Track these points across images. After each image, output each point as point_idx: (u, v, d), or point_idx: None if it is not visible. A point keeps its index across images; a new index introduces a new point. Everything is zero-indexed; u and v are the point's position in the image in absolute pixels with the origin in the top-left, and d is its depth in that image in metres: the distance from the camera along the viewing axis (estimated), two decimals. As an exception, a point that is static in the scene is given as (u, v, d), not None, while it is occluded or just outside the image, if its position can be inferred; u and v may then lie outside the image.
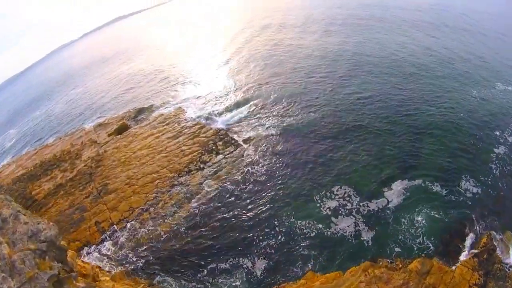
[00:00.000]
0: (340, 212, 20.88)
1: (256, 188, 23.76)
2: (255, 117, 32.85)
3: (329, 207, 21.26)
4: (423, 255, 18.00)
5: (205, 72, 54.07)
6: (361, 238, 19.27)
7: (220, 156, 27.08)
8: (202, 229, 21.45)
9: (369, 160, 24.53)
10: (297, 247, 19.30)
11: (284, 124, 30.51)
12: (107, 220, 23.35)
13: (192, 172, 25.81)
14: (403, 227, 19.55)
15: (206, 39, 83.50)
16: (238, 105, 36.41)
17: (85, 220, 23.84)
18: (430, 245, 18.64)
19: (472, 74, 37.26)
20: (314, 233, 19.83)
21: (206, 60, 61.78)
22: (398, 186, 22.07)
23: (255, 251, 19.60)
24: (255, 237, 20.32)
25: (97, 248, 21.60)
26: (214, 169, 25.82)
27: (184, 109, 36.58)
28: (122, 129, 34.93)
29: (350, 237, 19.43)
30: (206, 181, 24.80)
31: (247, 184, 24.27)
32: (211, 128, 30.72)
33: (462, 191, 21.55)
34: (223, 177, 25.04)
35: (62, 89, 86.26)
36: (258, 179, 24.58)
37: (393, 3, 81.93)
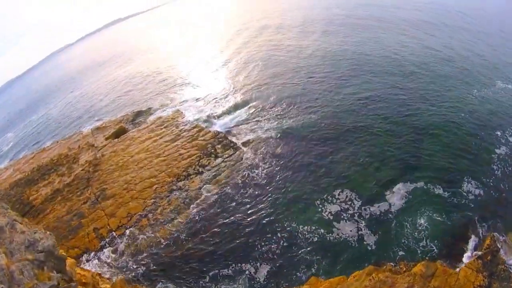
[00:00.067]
0: (342, 216, 20.57)
1: (256, 192, 23.43)
2: (254, 119, 32.52)
3: (330, 211, 20.94)
4: (427, 258, 17.77)
5: (203, 73, 53.79)
6: (364, 242, 18.98)
7: (219, 160, 26.74)
8: (203, 235, 21.12)
9: (370, 162, 24.24)
10: (300, 252, 19.01)
11: (284, 126, 30.17)
12: (106, 226, 23.02)
13: (191, 176, 25.46)
14: (406, 230, 19.28)
15: (205, 40, 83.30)
16: (236, 107, 36.11)
17: (83, 227, 23.52)
18: (434, 247, 18.40)
19: (472, 72, 37.06)
20: (316, 238, 19.52)
21: (204, 62, 61.51)
22: (400, 188, 21.77)
23: (257, 256, 19.29)
24: (256, 243, 20.01)
25: (97, 255, 21.27)
26: (213, 173, 25.47)
27: (182, 112, 36.25)
28: (119, 133, 34.60)
29: (353, 241, 19.13)
30: (205, 185, 24.46)
31: (247, 188, 23.94)
32: (209, 131, 30.36)
33: (464, 193, 21.27)
34: (223, 181, 24.70)
35: (60, 92, 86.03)
36: (258, 183, 24.25)
37: (391, 3, 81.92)
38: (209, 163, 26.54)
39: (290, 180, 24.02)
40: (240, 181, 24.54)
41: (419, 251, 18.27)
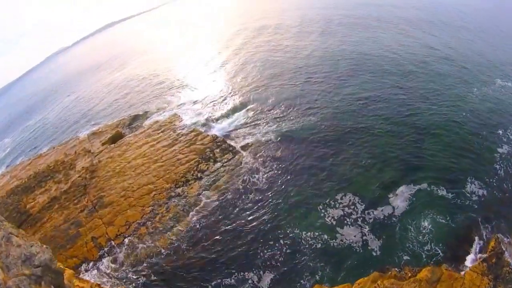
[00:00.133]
0: (345, 221, 20.20)
1: (257, 198, 23.01)
2: (252, 122, 32.06)
3: (333, 216, 20.57)
4: (431, 262, 17.56)
5: (201, 75, 53.31)
6: (368, 248, 18.65)
7: (218, 164, 26.27)
8: (204, 243, 20.69)
9: (372, 164, 23.88)
10: (303, 259, 18.66)
11: (283, 128, 29.74)
12: (104, 235, 22.58)
13: (190, 182, 25.00)
14: (410, 234, 18.98)
15: (203, 41, 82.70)
16: (235, 109, 35.63)
17: (81, 236, 23.10)
18: (439, 251, 18.13)
19: (471, 70, 36.72)
20: (319, 244, 19.16)
21: (202, 63, 61.00)
22: (403, 190, 21.44)
23: (260, 264, 18.92)
24: (259, 250, 19.62)
25: (96, 265, 20.83)
26: (212, 178, 25.01)
27: (179, 116, 35.70)
28: (116, 138, 34.13)
29: (357, 246, 18.79)
30: (205, 191, 23.99)
31: (248, 193, 23.51)
32: (207, 135, 29.82)
33: (467, 194, 20.98)
34: (222, 186, 24.26)
35: (58, 96, 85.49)
36: (258, 188, 23.83)
37: (389, 2, 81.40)
38: (208, 168, 26.09)
39: (291, 185, 23.61)
40: (240, 186, 24.11)
41: (424, 255, 17.99)
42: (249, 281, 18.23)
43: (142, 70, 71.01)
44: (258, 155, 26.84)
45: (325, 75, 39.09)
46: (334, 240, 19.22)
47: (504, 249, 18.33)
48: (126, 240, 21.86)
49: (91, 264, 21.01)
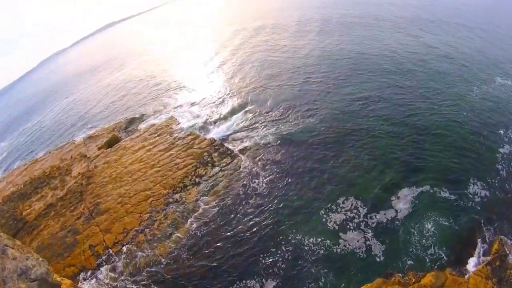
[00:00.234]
0: (348, 226, 19.86)
1: (256, 203, 22.59)
2: (251, 125, 31.59)
3: (336, 221, 20.22)
4: (435, 267, 17.30)
5: (198, 76, 52.78)
6: (372, 253, 18.34)
7: (216, 169, 25.83)
8: (204, 250, 20.31)
9: (373, 166, 23.56)
10: (306, 265, 18.34)
11: (282, 131, 29.29)
12: (101, 243, 22.19)
13: (188, 188, 24.58)
14: (413, 237, 18.70)
15: (200, 41, 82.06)
16: (232, 112, 35.14)
17: (79, 244, 22.71)
18: (442, 254, 17.89)
19: (471, 69, 36.38)
20: (322, 250, 18.83)
21: (199, 64, 60.45)
22: (405, 193, 21.16)
23: (261, 271, 18.58)
24: (260, 257, 19.25)
25: (94, 274, 20.47)
26: (211, 183, 24.59)
27: (176, 119, 35.21)
28: (112, 142, 33.66)
29: (361, 252, 18.47)
30: (203, 197, 23.57)
31: (247, 198, 23.10)
32: (205, 139, 29.38)
33: (470, 195, 20.71)
34: (221, 192, 23.84)
35: (55, 98, 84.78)
36: (258, 192, 23.41)
37: (387, 0, 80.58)
38: (206, 172, 25.67)
39: (292, 189, 23.22)
40: (239, 191, 23.69)
41: (427, 260, 17.72)
42: (252, 290, 17.88)
43: (140, 71, 70.45)
44: (257, 158, 26.43)
45: (323, 75, 38.68)
46: (337, 246, 18.89)
47: (507, 251, 18.08)
48: (124, 248, 21.48)
49: (89, 273, 20.64)
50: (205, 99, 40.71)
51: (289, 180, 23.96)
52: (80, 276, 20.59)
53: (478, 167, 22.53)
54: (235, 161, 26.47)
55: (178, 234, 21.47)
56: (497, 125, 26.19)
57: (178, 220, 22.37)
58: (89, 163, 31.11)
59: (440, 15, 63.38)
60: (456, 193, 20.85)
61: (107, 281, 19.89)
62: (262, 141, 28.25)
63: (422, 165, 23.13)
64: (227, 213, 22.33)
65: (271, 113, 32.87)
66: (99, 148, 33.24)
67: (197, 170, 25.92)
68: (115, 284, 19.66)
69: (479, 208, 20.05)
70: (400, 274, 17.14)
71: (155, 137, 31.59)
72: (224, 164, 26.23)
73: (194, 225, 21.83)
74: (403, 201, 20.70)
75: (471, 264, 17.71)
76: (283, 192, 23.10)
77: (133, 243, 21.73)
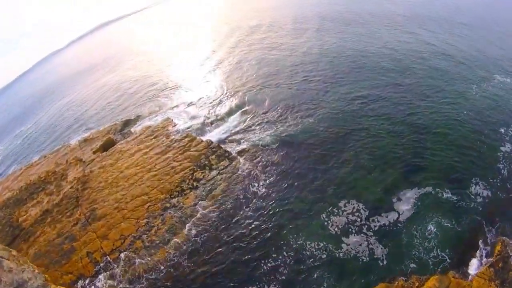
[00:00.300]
0: (350, 229, 19.58)
1: (256, 207, 22.22)
2: (249, 126, 31.10)
3: (337, 225, 19.93)
4: (438, 270, 17.15)
5: (194, 76, 52.05)
6: (375, 257, 18.10)
7: (214, 172, 25.39)
8: (203, 256, 19.97)
9: (374, 166, 23.26)
10: (308, 270, 18.08)
11: (280, 131, 28.83)
12: (99, 250, 21.80)
13: (185, 192, 24.12)
14: (416, 240, 18.51)
15: (197, 40, 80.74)
16: (230, 112, 34.60)
17: (76, 251, 22.31)
18: (445, 257, 17.73)
19: (470, 66, 36.05)
20: (324, 255, 18.57)
21: (196, 63, 59.62)
22: (407, 194, 20.90)
23: (262, 277, 18.31)
24: (261, 263, 18.94)
25: (92, 282, 20.10)
26: (209, 187, 24.14)
27: (172, 120, 34.54)
28: (107, 145, 33.11)
29: (363, 256, 18.22)
30: (201, 202, 23.11)
31: (246, 202, 22.71)
32: (202, 141, 28.77)
33: (472, 195, 20.53)
34: (219, 196, 23.42)
35: (51, 100, 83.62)
36: (257, 196, 23.03)
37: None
38: (203, 176, 25.22)
39: (292, 191, 22.87)
40: (238, 195, 23.30)
41: (430, 263, 17.55)
42: (253, 296, 17.56)
43: (135, 71, 69.56)
44: (255, 160, 26.00)
45: (321, 73, 38.21)
46: (339, 250, 18.64)
47: (510, 252, 17.92)
48: (122, 255, 21.09)
49: (87, 280, 20.29)
50: (202, 99, 40.15)
51: (289, 182, 23.59)
52: (78, 284, 20.24)
53: (480, 167, 22.32)
54: (233, 163, 26.03)
55: (177, 240, 21.09)
56: (498, 123, 25.95)
57: (176, 225, 21.98)
58: (84, 167, 30.64)
59: (438, 12, 62.91)
60: (458, 194, 20.64)
61: (105, 289, 19.59)
62: (260, 143, 27.78)
63: (424, 164, 22.88)
64: (226, 217, 21.94)
65: (269, 113, 32.42)
66: (94, 152, 32.73)
67: (194, 174, 25.47)
68: (113, 292, 19.37)
69: (481, 208, 19.88)
70: (403, 278, 16.98)
71: (151, 140, 31.07)
72: (222, 167, 25.80)
73: (193, 231, 21.43)
74: (405, 203, 20.45)
75: (474, 266, 17.59)
76: (283, 195, 22.74)
77: (131, 249, 21.35)
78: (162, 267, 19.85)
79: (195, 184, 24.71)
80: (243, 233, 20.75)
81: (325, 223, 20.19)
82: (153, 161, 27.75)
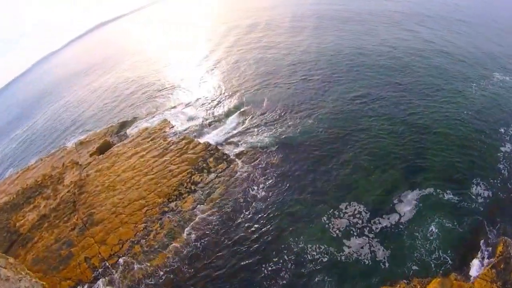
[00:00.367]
0: (351, 232, 19.34)
1: (255, 210, 21.93)
2: (247, 127, 30.70)
3: (338, 227, 19.69)
4: (440, 272, 16.96)
5: (192, 76, 51.56)
6: (377, 259, 17.90)
7: (212, 175, 25.07)
8: (203, 261, 19.70)
9: (374, 167, 23.02)
10: (309, 273, 17.86)
11: (279, 133, 28.50)
12: (97, 255, 21.53)
13: (183, 196, 23.83)
14: (418, 242, 18.34)
15: (194, 39, 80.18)
16: (228, 113, 34.17)
17: (74, 256, 22.02)
18: (447, 258, 17.57)
19: (469, 63, 35.86)
20: (325, 258, 18.33)
21: (193, 63, 59.17)
22: (408, 195, 20.71)
23: (263, 281, 18.07)
24: (262, 267, 18.69)
25: (91, 287, 19.86)
26: (207, 191, 23.83)
27: (169, 121, 34.16)
28: (104, 148, 32.74)
29: (365, 259, 18.01)
30: (199, 205, 22.82)
31: (245, 206, 22.41)
32: (199, 143, 28.44)
33: (473, 196, 20.36)
34: (218, 199, 23.12)
35: (47, 101, 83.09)
36: (256, 199, 22.73)
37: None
38: (201, 179, 24.90)
39: (291, 194, 22.59)
40: (236, 198, 22.99)
41: (432, 265, 17.38)
42: (253, 301, 17.35)
43: (132, 71, 69.08)
44: (254, 163, 25.69)
45: (320, 73, 37.88)
46: (340, 253, 18.42)
47: (511, 253, 17.81)
48: (121, 260, 20.84)
49: (86, 286, 20.07)
50: (199, 100, 39.72)
51: (288, 184, 23.32)
52: (77, 290, 19.99)
53: (481, 167, 22.17)
54: (231, 166, 25.72)
55: (176, 245, 20.82)
56: (498, 123, 25.80)
57: (174, 230, 21.70)
58: (81, 171, 30.32)
59: (436, 9, 62.72)
60: (459, 194, 20.48)
61: (104, 296, 19.40)
62: (259, 144, 27.45)
63: (424, 165, 22.69)
64: (225, 221, 21.67)
65: (267, 114, 32.06)
66: (91, 155, 32.39)
67: (192, 177, 25.17)
68: (112, 298, 19.16)
69: (482, 209, 19.73)
70: (405, 281, 16.80)
71: (148, 142, 30.71)
72: (220, 170, 25.50)
73: (192, 235, 21.13)
74: (406, 204, 20.27)
75: (476, 267, 17.42)
76: (283, 197, 22.47)
77: (129, 254, 21.09)
78: (161, 273, 19.60)
79: (193, 187, 24.42)
80: (243, 236, 20.49)
81: (326, 226, 19.95)
82: (150, 164, 27.43)
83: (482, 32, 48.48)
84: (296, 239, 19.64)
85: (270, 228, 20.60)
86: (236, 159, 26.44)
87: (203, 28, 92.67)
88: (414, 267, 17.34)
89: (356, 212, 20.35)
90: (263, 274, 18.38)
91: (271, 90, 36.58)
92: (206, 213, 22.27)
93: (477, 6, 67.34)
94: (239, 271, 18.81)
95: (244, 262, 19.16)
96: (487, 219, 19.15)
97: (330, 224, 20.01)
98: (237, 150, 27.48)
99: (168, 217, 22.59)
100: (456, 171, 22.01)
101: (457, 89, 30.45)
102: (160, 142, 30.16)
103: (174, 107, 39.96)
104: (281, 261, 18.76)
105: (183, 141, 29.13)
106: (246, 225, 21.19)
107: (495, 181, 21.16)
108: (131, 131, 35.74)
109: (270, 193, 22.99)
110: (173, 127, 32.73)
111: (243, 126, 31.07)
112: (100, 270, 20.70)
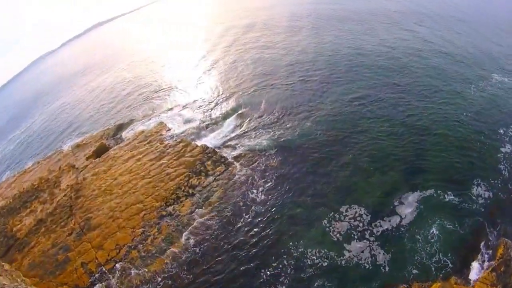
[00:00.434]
0: (352, 235, 19.18)
1: (254, 214, 21.68)
2: (245, 129, 30.36)
3: (339, 231, 19.50)
4: (441, 275, 16.87)
5: (189, 76, 51.21)
6: (377, 263, 17.76)
7: (210, 178, 24.78)
8: (201, 266, 19.47)
9: (374, 169, 22.86)
10: (308, 278, 17.71)
11: (277, 135, 28.20)
12: (94, 260, 21.26)
13: (181, 200, 23.53)
14: (419, 244, 18.24)
15: (191, 40, 79.72)
16: (225, 115, 33.81)
17: (71, 261, 21.75)
18: (448, 262, 17.49)
19: (468, 64, 35.81)
20: (326, 262, 18.16)
21: (189, 64, 58.73)
22: (408, 197, 20.59)
23: (263, 287, 17.91)
24: (261, 272, 18.50)
25: (88, 293, 19.39)
26: (205, 194, 23.54)
27: (166, 124, 33.68)
28: (100, 151, 32.40)
29: (366, 263, 17.86)
30: (197, 209, 22.53)
31: (243, 209, 22.15)
32: (197, 146, 28.12)
33: (474, 197, 20.29)
34: (216, 203, 22.83)
35: (45, 102, 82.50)
36: (255, 202, 22.48)
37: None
38: (199, 182, 24.61)
39: (291, 197, 22.37)
40: (235, 202, 22.72)
41: (433, 268, 17.28)
42: (252, 306, 17.13)
43: (130, 71, 68.76)
44: (252, 166, 25.39)
45: (318, 73, 37.63)
46: (340, 257, 18.27)
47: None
48: (118, 266, 20.60)
49: (82, 292, 19.64)
50: (196, 102, 39.37)
51: (287, 187, 23.09)
52: (73, 296, 19.82)
53: (481, 168, 22.09)
54: (229, 169, 25.43)
55: (174, 250, 20.56)
56: (497, 124, 25.74)
57: (172, 234, 21.42)
58: (77, 174, 30.00)
59: (435, 8, 62.56)
60: (459, 195, 20.40)
61: (100, 302, 19.16)
62: (257, 147, 27.17)
63: (425, 166, 22.58)
64: (223, 225, 21.40)
65: (265, 116, 31.75)
66: (87, 158, 32.06)
67: (190, 180, 24.87)
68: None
69: (483, 210, 19.66)
70: (405, 285, 16.66)
71: (144, 145, 30.36)
72: (218, 173, 25.22)
73: (190, 240, 20.87)
74: (407, 206, 20.15)
75: (476, 270, 17.35)
76: (282, 200, 22.24)
77: (126, 260, 20.83)
78: (159, 279, 19.36)
79: (191, 191, 24.13)
80: (242, 241, 20.26)
81: (326, 229, 19.77)
82: (147, 167, 27.10)
83: (481, 31, 48.45)
84: (296, 243, 19.43)
85: (270, 232, 20.38)
86: (234, 162, 26.13)
87: (201, 27, 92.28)
88: (415, 271, 17.21)
89: (356, 215, 20.17)
90: (262, 279, 18.18)
91: (269, 92, 36.29)
92: (205, 217, 22.02)
93: (476, 6, 67.22)
94: (238, 277, 18.59)
95: (244, 267, 18.94)
96: (488, 220, 19.07)
97: (330, 228, 19.82)
98: (235, 153, 27.18)
99: (166, 221, 22.32)
100: (456, 172, 21.91)
101: (456, 90, 30.32)
102: (157, 145, 29.84)
103: (171, 109, 39.55)
104: (280, 265, 18.55)
105: (180, 144, 28.83)
106: (245, 229, 20.96)
107: (496, 181, 21.09)
108: (128, 134, 35.39)
109: (269, 196, 22.75)
110: (169, 129, 32.31)
111: (241, 128, 30.75)
112: (97, 275, 20.43)
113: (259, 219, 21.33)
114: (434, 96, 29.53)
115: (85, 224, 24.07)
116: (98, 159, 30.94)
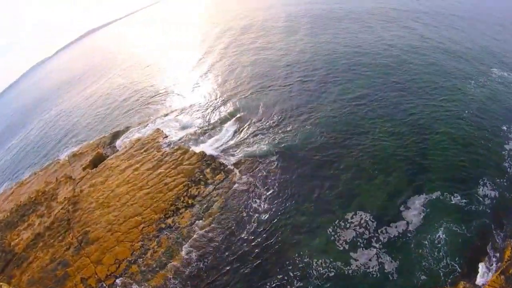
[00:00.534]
0: (358, 243, 18.63)
1: (256, 224, 21.12)
2: (244, 134, 29.72)
3: (345, 239, 18.96)
4: (449, 281, 16.44)
5: (185, 81, 50.50)
6: (385, 271, 17.26)
7: (210, 187, 24.18)
8: (203, 279, 18.97)
9: (378, 173, 22.31)
10: (315, 290, 17.16)
11: (277, 139, 27.58)
12: (93, 276, 20.77)
13: (180, 211, 22.96)
14: (426, 250, 17.75)
15: (187, 43, 78.78)
16: (223, 121, 33.10)
17: (70, 277, 21.27)
18: (456, 266, 17.02)
19: (467, 60, 35.28)
20: (332, 272, 17.63)
21: (185, 68, 57.97)
22: (414, 200, 20.09)
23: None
24: (267, 285, 17.98)
25: (88, 312, 19.07)
26: (205, 205, 22.95)
27: (162, 131, 33.04)
28: (97, 160, 31.77)
29: (374, 271, 17.35)
30: (198, 221, 21.96)
31: (245, 219, 21.59)
32: (195, 153, 27.50)
33: (480, 197, 19.78)
34: (217, 214, 22.25)
35: (42, 109, 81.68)
36: (256, 212, 21.90)
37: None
38: (199, 192, 24.01)
39: (294, 204, 21.80)
40: (236, 212, 22.15)
41: (441, 273, 16.81)
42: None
43: (125, 77, 68.05)
44: (253, 172, 24.78)
45: (316, 73, 36.99)
46: (347, 267, 17.75)
47: (520, 257, 17.25)
48: (118, 281, 20.13)
49: (82, 309, 19.25)
50: (194, 107, 38.64)
51: (290, 194, 22.53)
52: (74, 312, 19.42)
53: (486, 166, 21.60)
54: (229, 176, 24.84)
55: (174, 263, 20.04)
56: (500, 120, 25.25)
57: (172, 247, 20.88)
58: (74, 186, 29.46)
59: (432, 4, 61.93)
60: (465, 196, 19.91)
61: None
62: (257, 153, 26.54)
63: (429, 166, 22.08)
64: (225, 237, 20.83)
65: (264, 120, 31.11)
66: (84, 168, 31.46)
67: (189, 190, 24.28)
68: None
69: (489, 210, 19.19)
70: (413, 293, 16.27)
71: (141, 153, 29.75)
72: (217, 181, 24.62)
73: (191, 253, 20.30)
74: (413, 210, 19.66)
75: (485, 273, 16.90)
76: (285, 209, 21.66)
77: (126, 275, 20.33)
78: (160, 294, 18.92)
79: (190, 201, 23.54)
80: (244, 252, 19.72)
81: (331, 238, 19.24)
82: (145, 177, 26.51)
83: (479, 27, 47.88)
84: (301, 253, 18.92)
85: (273, 242, 19.85)
86: (234, 169, 25.52)
87: (197, 30, 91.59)
88: (423, 277, 16.77)
89: (362, 221, 19.66)
90: (267, 293, 17.68)
91: (267, 94, 35.65)
92: (205, 229, 21.42)
93: (473, 1, 66.57)
94: (242, 289, 18.08)
95: (247, 279, 18.46)
96: (494, 221, 18.63)
97: (335, 236, 19.29)
98: (234, 159, 26.51)
99: (166, 234, 21.78)
100: (461, 171, 21.44)
101: (456, 86, 29.81)
102: (154, 153, 29.25)
103: (167, 114, 38.79)
104: (286, 277, 18.05)
105: (178, 152, 28.25)
106: (247, 240, 20.41)
107: (501, 180, 20.63)
108: (124, 142, 34.68)
109: (271, 204, 22.19)
110: (166, 136, 31.61)
111: (240, 133, 30.12)
112: (97, 291, 20.00)
113: (262, 229, 20.78)
114: (434, 93, 29.00)
115: (83, 238, 23.56)
116: (95, 169, 30.38)
